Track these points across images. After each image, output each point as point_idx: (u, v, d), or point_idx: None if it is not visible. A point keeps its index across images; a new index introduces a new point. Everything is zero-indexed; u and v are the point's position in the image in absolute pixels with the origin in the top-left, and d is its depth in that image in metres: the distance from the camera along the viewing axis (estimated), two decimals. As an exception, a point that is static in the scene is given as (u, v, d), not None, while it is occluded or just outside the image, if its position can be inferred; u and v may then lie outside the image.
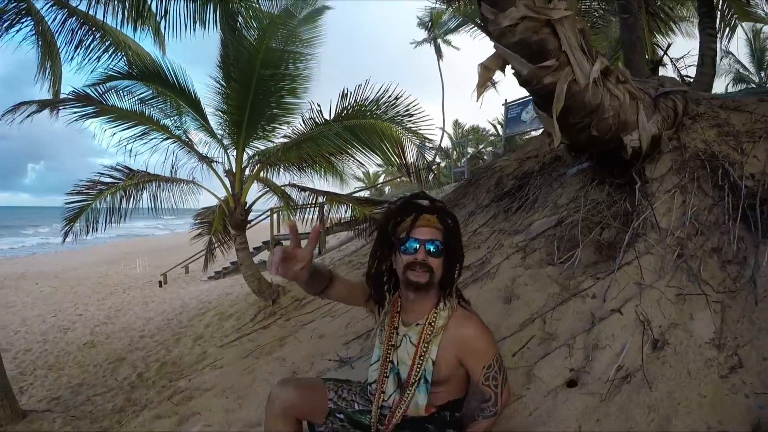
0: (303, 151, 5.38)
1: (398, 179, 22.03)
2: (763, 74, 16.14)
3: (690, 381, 1.47)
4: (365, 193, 19.86)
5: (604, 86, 2.21)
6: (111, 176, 5.54)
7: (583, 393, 1.60)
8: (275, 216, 10.90)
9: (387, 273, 1.48)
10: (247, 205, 5.59)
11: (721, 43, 6.98)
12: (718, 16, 6.27)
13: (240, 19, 5.02)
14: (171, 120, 5.66)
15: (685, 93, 2.68)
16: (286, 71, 5.41)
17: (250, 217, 5.79)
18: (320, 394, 1.58)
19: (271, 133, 5.75)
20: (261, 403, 2.54)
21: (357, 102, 5.01)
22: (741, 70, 16.38)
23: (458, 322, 1.43)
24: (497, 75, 2.29)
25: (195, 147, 5.70)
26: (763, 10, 7.38)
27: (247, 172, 5.69)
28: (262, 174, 5.94)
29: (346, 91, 4.99)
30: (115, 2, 4.09)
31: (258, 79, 5.00)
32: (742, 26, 8.08)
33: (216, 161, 5.70)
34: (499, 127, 23.13)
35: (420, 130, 4.99)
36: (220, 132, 5.61)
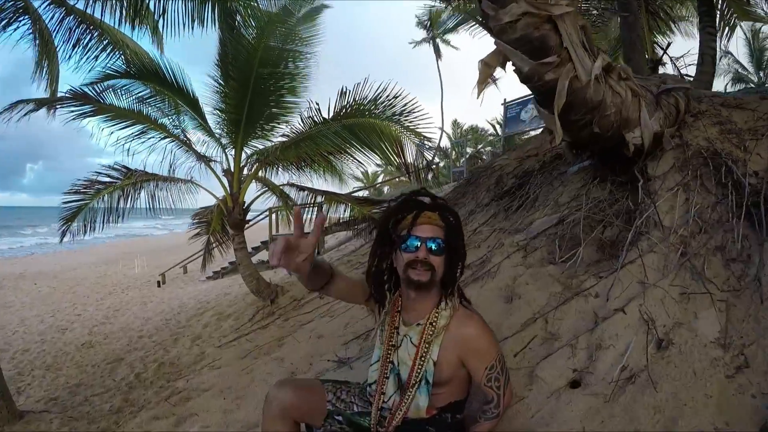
0: (301, 150, 5.35)
1: (397, 179, 22.00)
2: (761, 74, 16.16)
3: (696, 381, 1.45)
4: (364, 193, 19.82)
5: (606, 83, 2.19)
6: (109, 175, 5.51)
7: (586, 394, 1.57)
8: (274, 216, 10.85)
9: (387, 271, 1.45)
10: (246, 205, 5.56)
11: (721, 42, 6.98)
12: (718, 15, 6.27)
13: (238, 17, 5.00)
14: (169, 119, 5.64)
15: (687, 90, 2.66)
16: (284, 70, 5.39)
17: (248, 217, 5.77)
18: (318, 396, 1.55)
19: (270, 132, 5.73)
20: (259, 403, 2.51)
21: (356, 101, 4.99)
22: (740, 70, 16.41)
23: (460, 322, 1.40)
24: (498, 72, 2.27)
25: (193, 146, 5.67)
26: (763, 9, 7.38)
27: (245, 171, 5.67)
28: (260, 173, 5.92)
29: (344, 90, 4.97)
30: (113, 1, 4.07)
31: (256, 78, 4.98)
32: (741, 26, 8.09)
33: (214, 160, 5.68)
34: (498, 126, 23.11)
35: (419, 128, 4.97)
36: (218, 131, 5.58)
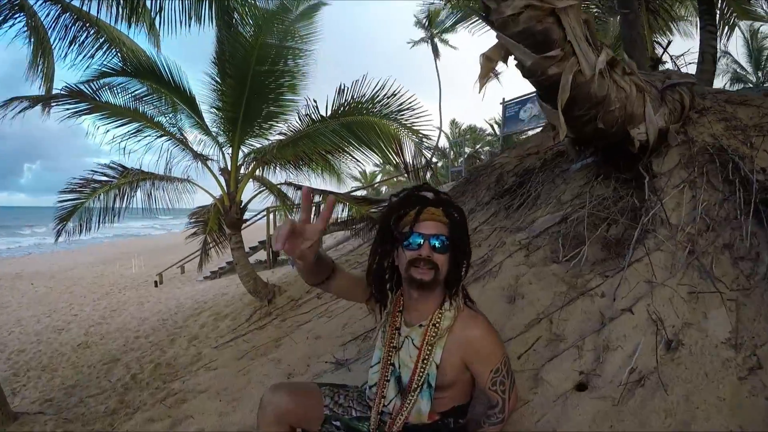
0: (299, 149, 5.30)
1: (395, 178, 21.95)
2: (760, 74, 16.18)
3: (708, 383, 1.40)
4: (362, 193, 19.77)
5: (610, 77, 2.14)
6: (104, 174, 5.45)
7: (594, 397, 1.52)
8: (271, 216, 10.78)
9: (389, 270, 1.40)
10: (243, 204, 5.52)
11: (720, 42, 6.96)
12: (718, 14, 6.25)
13: (235, 14, 4.95)
14: (166, 117, 5.58)
15: (692, 85, 2.61)
16: (282, 67, 5.34)
17: (245, 217, 5.72)
18: (315, 400, 1.49)
19: (267, 131, 5.68)
20: (255, 405, 2.45)
21: (354, 98, 4.94)
22: (738, 70, 16.44)
23: (464, 323, 1.34)
24: (499, 66, 2.21)
25: (190, 145, 5.62)
26: (762, 9, 7.36)
27: (242, 170, 5.62)
28: (257, 172, 5.87)
29: (342, 87, 4.92)
30: (110, -2, 4.03)
31: (253, 76, 4.93)
32: (739, 26, 8.07)
33: (211, 159, 5.63)
34: (496, 126, 23.10)
35: (418, 126, 4.92)
36: (215, 129, 5.53)
